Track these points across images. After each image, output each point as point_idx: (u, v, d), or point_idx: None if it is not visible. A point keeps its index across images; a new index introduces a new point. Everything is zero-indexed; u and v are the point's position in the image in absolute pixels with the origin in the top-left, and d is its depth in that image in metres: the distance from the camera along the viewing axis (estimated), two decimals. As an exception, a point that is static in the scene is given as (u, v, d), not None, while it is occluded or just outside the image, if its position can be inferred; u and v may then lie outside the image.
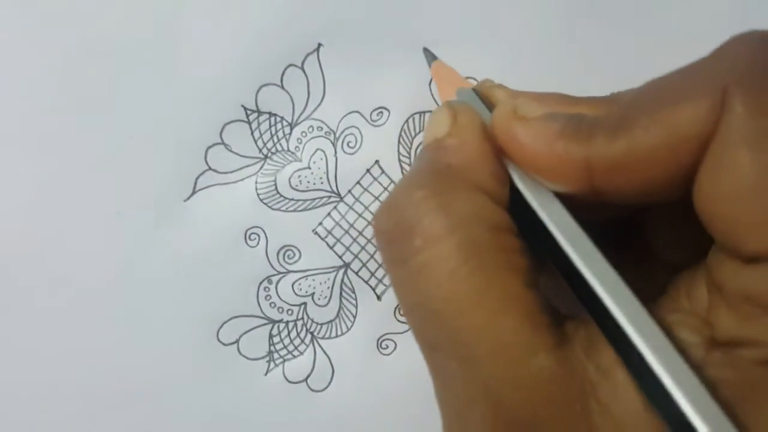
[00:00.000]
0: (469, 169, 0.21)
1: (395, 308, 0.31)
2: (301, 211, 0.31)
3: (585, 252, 0.20)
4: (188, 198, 0.30)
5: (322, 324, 0.31)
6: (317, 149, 0.31)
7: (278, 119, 0.31)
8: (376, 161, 0.31)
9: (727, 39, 0.19)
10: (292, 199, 0.31)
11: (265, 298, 0.31)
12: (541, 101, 0.22)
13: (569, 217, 0.21)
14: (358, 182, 0.31)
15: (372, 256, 0.31)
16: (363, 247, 0.31)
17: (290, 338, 0.31)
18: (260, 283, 0.31)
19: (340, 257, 0.31)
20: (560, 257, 0.20)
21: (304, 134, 0.31)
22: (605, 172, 0.19)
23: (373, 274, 0.31)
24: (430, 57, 0.30)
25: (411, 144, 0.31)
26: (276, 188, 0.31)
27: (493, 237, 0.20)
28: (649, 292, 0.21)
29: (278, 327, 0.31)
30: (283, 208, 0.31)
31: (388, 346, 0.31)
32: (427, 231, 0.19)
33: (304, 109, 0.31)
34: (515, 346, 0.19)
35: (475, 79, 0.31)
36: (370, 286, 0.31)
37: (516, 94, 0.24)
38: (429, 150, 0.22)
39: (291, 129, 0.31)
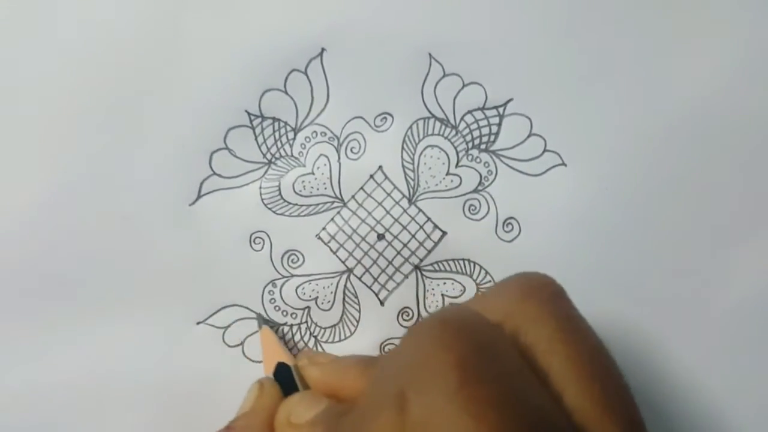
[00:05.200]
0: None
1: (398, 313, 0.31)
2: (304, 216, 0.31)
3: None
4: (193, 202, 0.31)
5: (325, 328, 0.31)
6: (321, 154, 0.31)
7: (282, 124, 0.31)
8: (380, 167, 0.31)
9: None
10: (296, 204, 0.31)
11: (270, 301, 0.31)
12: (314, 397, 0.27)
13: None
14: (361, 188, 0.31)
15: (375, 262, 0.31)
16: (366, 253, 0.31)
17: (294, 341, 0.31)
18: (265, 287, 0.31)
19: (343, 262, 0.31)
20: None
21: (307, 139, 0.31)
22: None
23: (375, 280, 0.31)
24: (261, 321, 0.31)
25: (415, 150, 0.31)
26: (280, 193, 0.31)
27: None
28: None
29: (282, 330, 0.31)
30: (287, 213, 0.31)
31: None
32: None
33: (308, 114, 0.31)
34: None
35: (480, 85, 0.30)
36: (373, 292, 0.31)
37: (321, 380, 0.28)
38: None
39: (295, 134, 0.31)
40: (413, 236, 0.31)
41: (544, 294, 0.21)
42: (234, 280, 0.31)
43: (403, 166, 0.31)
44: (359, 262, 0.31)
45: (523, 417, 0.17)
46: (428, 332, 0.19)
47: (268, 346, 0.30)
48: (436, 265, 0.31)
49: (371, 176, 0.31)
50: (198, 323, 0.31)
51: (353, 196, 0.31)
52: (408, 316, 0.31)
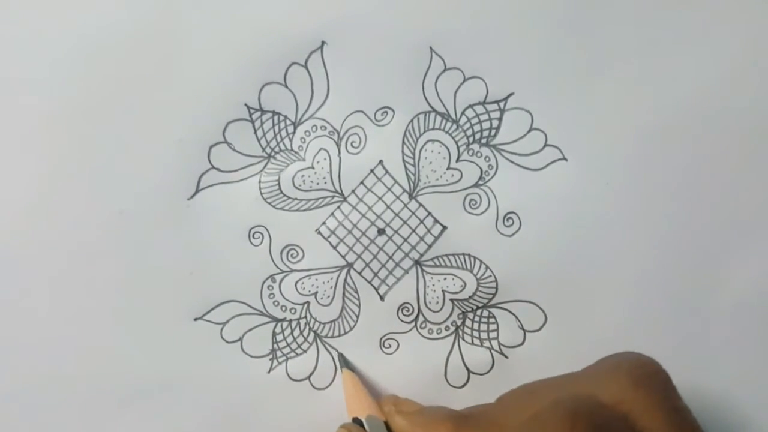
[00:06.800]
0: None
1: (398, 308, 0.31)
2: (304, 210, 0.31)
3: None
4: (191, 197, 0.30)
5: (325, 323, 0.31)
6: (321, 149, 0.31)
7: (281, 118, 0.30)
8: (380, 161, 0.31)
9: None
10: (296, 199, 0.31)
11: (269, 296, 0.31)
12: None
13: None
14: (361, 182, 0.31)
15: (375, 257, 0.31)
16: (366, 248, 0.31)
17: (293, 336, 0.31)
18: (264, 282, 0.31)
19: (343, 257, 0.31)
20: None
21: (307, 133, 0.30)
22: None
23: (376, 275, 0.31)
24: (343, 362, 0.31)
25: (415, 144, 0.31)
26: (279, 187, 0.31)
27: None
28: None
29: (281, 325, 0.31)
30: (287, 208, 0.31)
31: (390, 346, 0.31)
32: None
33: (308, 108, 0.30)
34: None
35: (481, 79, 0.30)
36: (373, 286, 0.31)
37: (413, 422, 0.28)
38: None
39: (294, 128, 0.30)
40: (414, 231, 0.31)
41: (655, 383, 0.22)
42: (232, 275, 0.31)
43: (403, 160, 0.31)
44: (359, 257, 0.31)
45: None
46: (559, 425, 0.20)
47: (351, 391, 0.30)
48: (436, 260, 0.31)
49: (372, 171, 0.31)
50: (195, 319, 0.31)
51: (353, 191, 0.31)
52: (408, 311, 0.31)
